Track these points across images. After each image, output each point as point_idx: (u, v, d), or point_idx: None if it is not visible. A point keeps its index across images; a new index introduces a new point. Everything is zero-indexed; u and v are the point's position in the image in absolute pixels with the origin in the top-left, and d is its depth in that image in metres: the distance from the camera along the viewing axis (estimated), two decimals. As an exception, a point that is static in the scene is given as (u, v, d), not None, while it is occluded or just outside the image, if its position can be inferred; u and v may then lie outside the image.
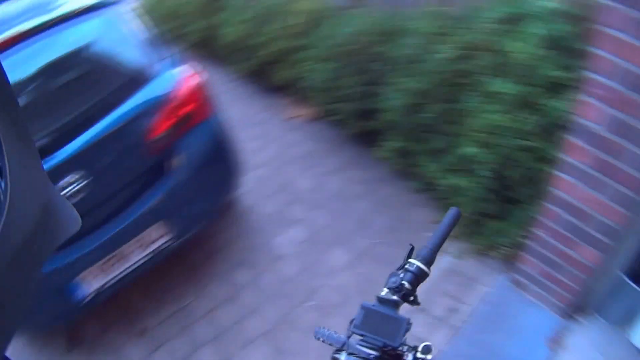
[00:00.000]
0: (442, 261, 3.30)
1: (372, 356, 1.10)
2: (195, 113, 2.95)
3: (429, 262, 1.23)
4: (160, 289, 3.45)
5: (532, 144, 2.79)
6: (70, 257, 2.64)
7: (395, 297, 1.18)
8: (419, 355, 1.10)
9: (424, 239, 1.27)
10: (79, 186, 2.54)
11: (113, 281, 2.88)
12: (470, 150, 3.01)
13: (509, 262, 3.15)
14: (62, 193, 2.45)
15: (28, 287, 0.66)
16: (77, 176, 2.53)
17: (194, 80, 2.98)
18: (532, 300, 2.94)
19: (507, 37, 2.88)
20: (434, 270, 1.25)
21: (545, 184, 2.64)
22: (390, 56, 3.58)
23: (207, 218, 3.43)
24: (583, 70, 2.14)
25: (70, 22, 2.65)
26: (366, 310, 1.15)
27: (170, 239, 3.01)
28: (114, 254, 2.82)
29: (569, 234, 2.51)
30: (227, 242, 3.75)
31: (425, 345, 1.13)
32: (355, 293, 3.26)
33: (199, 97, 2.99)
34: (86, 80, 2.76)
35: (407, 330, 1.12)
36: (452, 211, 1.37)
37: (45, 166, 2.18)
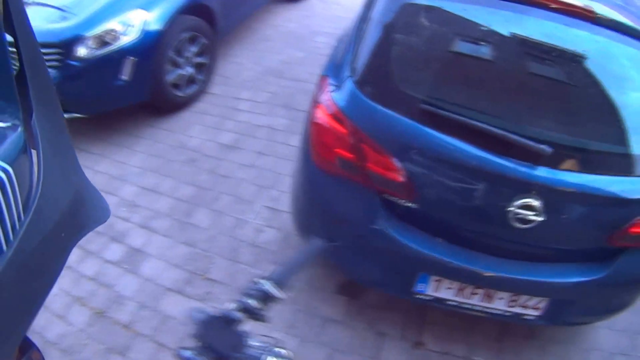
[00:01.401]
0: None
1: None
2: None
3: (280, 284, 1.32)
4: (464, 324, 3.22)
5: None
6: (449, 259, 2.47)
7: (238, 314, 1.27)
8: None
9: None
10: (529, 216, 2.28)
11: (454, 304, 2.70)
12: None
13: None
14: (516, 210, 2.28)
15: (53, 271, 0.71)
16: (537, 205, 2.27)
17: None
18: None
19: None
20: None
21: None
22: None
23: (578, 324, 3.17)
24: None
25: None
26: (207, 321, 1.23)
27: (535, 316, 2.74)
28: (486, 289, 2.63)
29: None
30: (552, 340, 3.35)
31: (278, 350, 1.30)
32: None
33: None
34: (613, 124, 2.37)
35: (244, 345, 1.23)
36: (314, 242, 1.49)
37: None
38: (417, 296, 2.65)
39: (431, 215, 2.42)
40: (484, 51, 2.36)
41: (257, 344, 1.29)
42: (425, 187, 2.30)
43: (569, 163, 2.26)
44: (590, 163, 2.29)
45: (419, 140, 2.23)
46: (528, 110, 2.32)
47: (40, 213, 0.66)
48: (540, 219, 2.26)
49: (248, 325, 1.30)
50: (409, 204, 2.35)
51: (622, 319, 3.12)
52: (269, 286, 1.31)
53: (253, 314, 1.29)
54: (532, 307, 2.66)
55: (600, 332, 3.40)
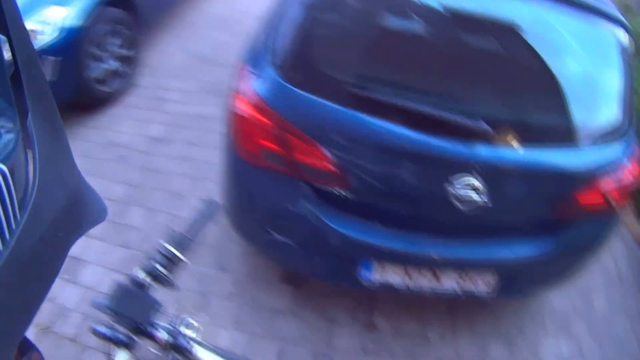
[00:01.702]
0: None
1: (123, 335, 1.19)
2: (617, 202, 2.58)
3: (183, 248, 1.34)
4: (415, 300, 3.22)
5: None
6: (390, 244, 2.43)
7: (147, 279, 1.27)
8: (182, 329, 1.29)
9: None
10: (470, 195, 2.25)
11: (402, 287, 2.66)
12: None
13: None
14: (456, 191, 2.24)
15: (51, 271, 0.72)
16: (478, 183, 2.24)
17: (637, 167, 2.61)
18: None
19: None
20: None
21: None
22: None
23: (530, 295, 3.28)
24: None
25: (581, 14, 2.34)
26: (119, 289, 1.23)
27: (486, 292, 2.73)
28: (433, 270, 2.60)
29: None
30: (504, 308, 3.42)
31: (188, 321, 1.33)
32: None
33: (628, 190, 2.62)
34: (552, 96, 2.36)
35: (157, 310, 1.24)
36: (210, 203, 1.51)
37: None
38: (364, 283, 2.61)
39: (368, 202, 2.37)
40: (413, 26, 2.28)
41: (172, 313, 1.31)
42: (358, 174, 2.23)
43: (508, 138, 2.22)
44: (531, 136, 2.26)
45: (349, 126, 2.15)
46: (463, 86, 2.29)
47: (36, 212, 0.66)
48: (482, 197, 2.25)
49: (161, 296, 1.31)
50: (343, 193, 2.28)
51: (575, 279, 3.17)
52: (170, 249, 1.32)
53: (159, 279, 1.31)
54: (482, 283, 2.67)
55: (553, 295, 3.47)
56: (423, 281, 2.60)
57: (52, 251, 0.74)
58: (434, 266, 2.54)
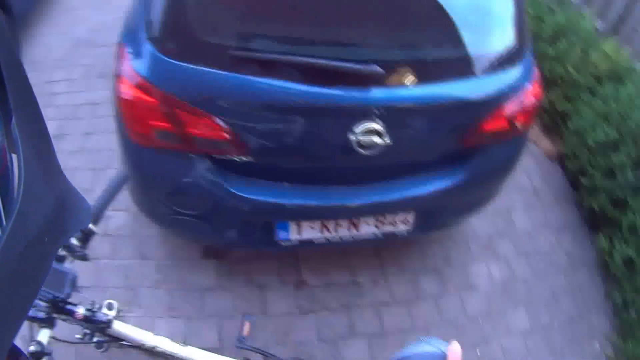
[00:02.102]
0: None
1: (42, 308, 1.23)
2: (522, 123, 2.64)
3: (95, 220, 1.39)
4: (339, 251, 3.29)
5: None
6: (303, 201, 2.43)
7: (61, 252, 1.31)
8: (104, 311, 1.33)
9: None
10: (375, 139, 2.22)
11: (323, 241, 2.67)
12: None
13: None
14: (359, 138, 2.21)
15: (37, 277, 0.69)
16: (380, 127, 2.20)
17: (538, 88, 2.66)
18: None
19: None
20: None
21: None
22: None
23: (449, 226, 3.29)
24: None
25: None
26: None
27: (408, 231, 2.78)
28: (350, 219, 2.61)
29: None
30: (429, 242, 3.56)
31: (108, 303, 1.36)
32: None
33: (533, 110, 2.67)
34: (443, 28, 2.30)
35: (73, 283, 1.27)
36: (119, 176, 1.57)
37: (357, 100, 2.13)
38: (283, 244, 2.64)
39: (272, 164, 2.35)
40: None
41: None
42: (257, 137, 2.19)
43: (404, 77, 2.19)
44: (427, 72, 2.25)
45: (238, 91, 2.09)
46: (351, 30, 2.21)
47: (22, 218, 0.63)
48: (387, 139, 2.24)
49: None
50: (244, 159, 2.25)
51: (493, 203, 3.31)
52: None
53: (75, 252, 1.34)
54: (400, 223, 2.71)
55: (474, 221, 3.59)
56: (342, 232, 2.63)
57: (39, 257, 0.71)
58: (350, 215, 2.57)
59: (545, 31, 4.50)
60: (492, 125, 2.51)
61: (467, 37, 2.29)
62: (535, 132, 4.52)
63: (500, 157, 2.77)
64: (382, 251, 3.35)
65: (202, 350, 1.75)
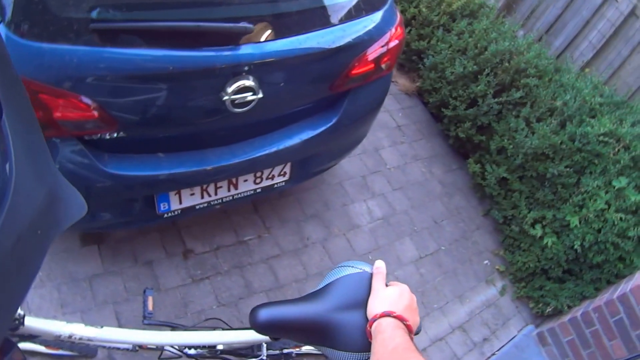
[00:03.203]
0: (488, 292, 3.88)
1: None
2: (386, 67, 2.80)
3: None
4: (220, 215, 3.35)
5: (624, 246, 3.44)
6: (180, 168, 2.44)
7: None
8: None
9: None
10: (249, 96, 2.28)
11: (204, 205, 2.75)
12: (573, 220, 3.59)
13: (540, 318, 3.88)
14: (232, 97, 2.25)
15: (30, 271, 0.72)
16: (253, 83, 2.26)
17: (400, 30, 2.80)
18: (546, 358, 3.70)
19: None
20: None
21: (610, 279, 3.57)
22: (538, 95, 4.01)
23: (323, 171, 3.35)
24: None
25: None
26: None
27: (284, 182, 2.92)
28: (229, 179, 2.68)
29: (615, 330, 3.22)
30: (305, 190, 3.72)
31: None
32: (414, 293, 3.27)
33: (398, 51, 2.83)
34: None
35: None
36: None
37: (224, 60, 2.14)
38: (166, 216, 2.69)
39: (146, 136, 2.37)
40: None
41: None
42: (127, 111, 2.19)
43: (271, 31, 2.27)
44: (293, 24, 2.35)
45: (102, 65, 2.04)
46: None
47: (14, 211, 0.66)
48: (259, 95, 2.30)
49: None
50: (116, 135, 2.25)
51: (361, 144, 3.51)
52: None
53: None
54: (278, 175, 2.86)
55: (345, 163, 3.83)
56: (222, 193, 2.73)
57: (31, 250, 0.74)
58: (229, 175, 2.67)
59: None
60: (359, 69, 2.65)
61: None
62: (393, 72, 4.84)
63: (368, 98, 2.96)
64: (261, 206, 3.48)
65: (120, 329, 1.80)
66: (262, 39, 2.25)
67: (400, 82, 4.88)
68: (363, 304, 1.22)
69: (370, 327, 1.15)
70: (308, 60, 2.45)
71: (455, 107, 4.33)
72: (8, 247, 0.64)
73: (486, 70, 4.12)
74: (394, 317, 1.14)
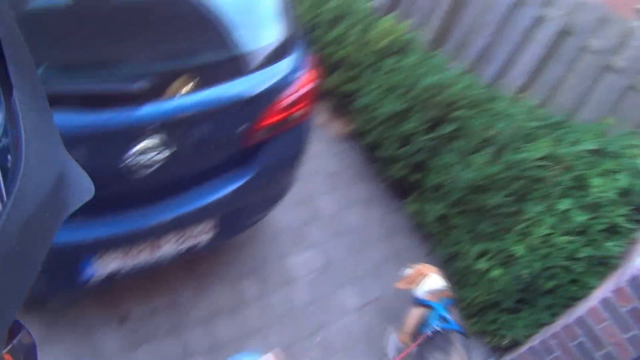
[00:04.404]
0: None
1: None
2: (300, 115, 2.87)
3: None
4: (154, 275, 3.35)
5: (575, 268, 3.43)
6: (100, 233, 2.46)
7: None
8: None
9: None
10: (157, 156, 2.32)
11: (129, 269, 2.72)
12: (518, 249, 3.59)
13: (499, 351, 3.85)
14: (137, 158, 2.27)
15: (39, 254, 0.73)
16: (159, 142, 2.30)
17: (314, 76, 2.88)
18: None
19: (591, 168, 3.56)
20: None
21: (565, 303, 3.51)
22: (471, 126, 4.06)
23: (250, 226, 3.36)
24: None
25: None
26: None
27: (211, 239, 2.91)
28: (150, 241, 2.67)
29: (578, 353, 3.19)
30: (240, 246, 3.75)
31: None
32: (361, 340, 3.54)
33: (311, 98, 2.89)
34: (210, 31, 2.45)
35: None
36: None
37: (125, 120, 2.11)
38: (90, 283, 2.69)
39: None
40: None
41: None
42: None
43: (176, 87, 2.29)
44: (199, 78, 2.36)
45: None
46: (116, 48, 2.26)
47: (23, 194, 0.67)
48: (166, 154, 2.34)
49: None
50: None
51: (292, 192, 3.60)
52: None
53: None
54: (203, 233, 2.91)
55: (279, 214, 3.89)
56: (145, 255, 2.76)
57: (40, 233, 0.76)
58: (150, 237, 2.68)
59: (323, 18, 4.92)
60: (270, 119, 2.71)
61: (233, 38, 2.51)
62: (324, 117, 5.01)
63: (286, 148, 3.02)
64: (196, 264, 3.53)
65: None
66: (165, 95, 2.29)
67: (333, 126, 5.01)
68: None
69: None
70: (214, 114, 2.52)
71: (388, 148, 4.41)
72: (18, 229, 0.66)
73: (416, 106, 4.23)
74: None
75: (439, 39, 4.98)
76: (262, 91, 2.64)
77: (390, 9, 5.12)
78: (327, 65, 4.95)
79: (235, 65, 2.55)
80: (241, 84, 2.56)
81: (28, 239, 0.71)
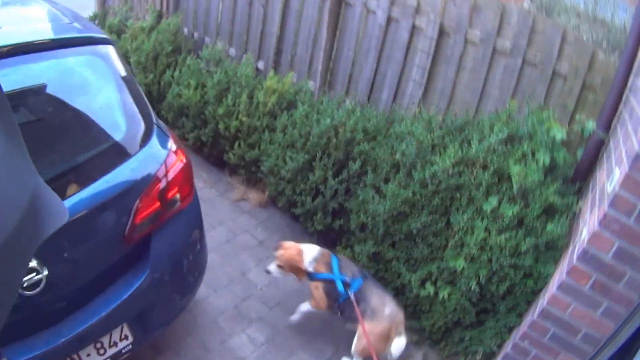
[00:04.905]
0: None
1: None
2: (179, 198, 2.83)
3: None
4: None
5: (523, 263, 3.38)
6: (19, 358, 2.35)
7: None
8: None
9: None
10: (36, 277, 2.21)
11: None
12: (458, 263, 3.53)
13: None
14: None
15: (16, 278, 0.77)
16: (34, 263, 2.19)
17: (181, 158, 2.86)
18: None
19: (508, 158, 3.56)
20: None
21: (527, 299, 3.46)
22: (376, 156, 4.12)
23: (172, 319, 3.24)
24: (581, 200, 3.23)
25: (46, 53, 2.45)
26: None
27: (131, 344, 2.82)
28: (71, 357, 2.59)
29: (554, 345, 3.05)
30: (179, 338, 3.65)
31: None
32: None
33: (185, 179, 2.86)
34: (59, 136, 2.45)
35: None
36: None
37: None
38: None
39: None
40: None
41: None
42: None
43: None
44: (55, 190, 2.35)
45: None
46: None
47: None
48: (45, 272, 2.26)
49: None
50: None
51: (216, 279, 3.74)
52: None
53: None
54: (121, 340, 2.84)
55: (212, 298, 3.93)
56: None
57: (16, 257, 0.76)
58: (70, 353, 2.62)
59: (209, 95, 5.04)
60: (145, 211, 2.68)
61: (93, 137, 2.58)
62: (240, 191, 5.09)
63: (178, 235, 2.99)
64: None
65: None
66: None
67: (251, 197, 5.05)
68: None
69: None
70: (83, 221, 2.45)
71: (304, 203, 4.44)
72: None
73: (317, 155, 4.29)
74: None
75: (329, 82, 5.09)
76: (124, 188, 2.63)
77: (273, 66, 5.29)
78: (227, 139, 5.05)
79: (89, 169, 2.56)
80: (100, 186, 2.55)
81: (5, 263, 0.72)
